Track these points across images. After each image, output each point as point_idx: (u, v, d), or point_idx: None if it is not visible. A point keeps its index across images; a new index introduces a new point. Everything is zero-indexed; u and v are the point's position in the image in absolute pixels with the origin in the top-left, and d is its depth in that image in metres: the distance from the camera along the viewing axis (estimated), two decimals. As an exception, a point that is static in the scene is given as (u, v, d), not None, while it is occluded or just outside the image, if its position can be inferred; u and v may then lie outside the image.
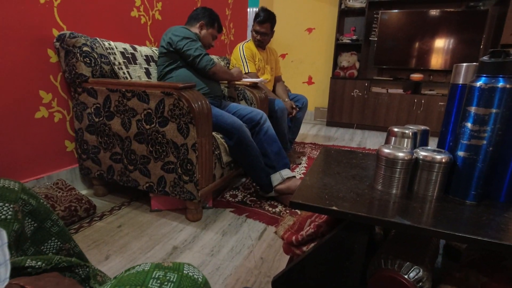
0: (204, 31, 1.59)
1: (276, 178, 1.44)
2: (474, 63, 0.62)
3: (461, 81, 0.64)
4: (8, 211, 0.46)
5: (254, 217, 1.32)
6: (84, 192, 1.49)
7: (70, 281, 0.37)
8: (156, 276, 0.33)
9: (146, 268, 0.34)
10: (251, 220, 1.30)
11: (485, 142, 0.56)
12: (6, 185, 0.48)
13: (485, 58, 0.55)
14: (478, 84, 0.55)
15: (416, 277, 0.56)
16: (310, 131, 3.45)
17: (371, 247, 0.71)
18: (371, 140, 3.04)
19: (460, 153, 0.59)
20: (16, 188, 0.49)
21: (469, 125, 0.57)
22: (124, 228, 1.20)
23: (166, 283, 0.32)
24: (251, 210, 1.38)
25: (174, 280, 0.33)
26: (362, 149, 2.66)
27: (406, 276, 0.56)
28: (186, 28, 1.48)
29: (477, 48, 3.10)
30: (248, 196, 1.54)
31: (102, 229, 1.19)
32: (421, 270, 0.57)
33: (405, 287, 0.56)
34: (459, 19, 3.10)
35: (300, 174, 1.89)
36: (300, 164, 2.10)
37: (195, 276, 0.35)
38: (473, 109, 0.56)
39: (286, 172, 1.45)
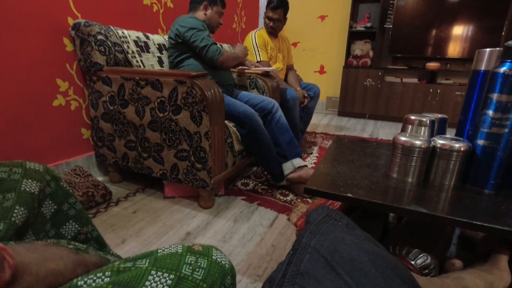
0: (209, 11, 1.57)
1: (287, 167, 1.44)
2: (498, 48, 0.60)
3: (483, 68, 0.62)
4: (36, 187, 0.49)
5: (266, 205, 1.33)
6: (100, 178, 1.53)
7: (62, 250, 0.38)
8: (189, 262, 0.35)
9: (179, 251, 0.36)
10: (263, 208, 1.31)
11: (506, 130, 0.55)
12: (32, 167, 0.51)
13: (511, 42, 0.53)
14: (502, 70, 0.53)
15: (423, 264, 0.56)
16: (321, 121, 3.41)
17: (384, 235, 0.71)
18: (383, 131, 2.99)
19: (480, 142, 0.58)
20: (41, 170, 0.52)
21: (490, 112, 0.56)
22: (139, 213, 1.24)
23: (197, 269, 0.34)
24: (262, 198, 1.40)
25: (204, 266, 0.35)
26: (375, 140, 2.62)
27: (413, 262, 0.56)
28: (193, 17, 1.47)
29: (498, 35, 2.97)
30: (260, 184, 1.55)
31: (118, 214, 1.22)
32: (429, 258, 0.57)
33: None
34: (480, 5, 2.97)
35: (311, 164, 1.88)
36: (312, 154, 2.10)
37: (222, 262, 0.37)
38: (495, 96, 0.55)
39: (297, 161, 1.45)
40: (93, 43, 1.29)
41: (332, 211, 0.33)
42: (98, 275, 0.31)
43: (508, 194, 0.58)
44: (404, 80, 3.33)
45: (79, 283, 0.31)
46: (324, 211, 0.32)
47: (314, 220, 0.31)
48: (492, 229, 0.46)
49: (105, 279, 0.31)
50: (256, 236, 1.10)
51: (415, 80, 3.32)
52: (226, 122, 1.33)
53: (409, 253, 0.58)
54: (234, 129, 1.39)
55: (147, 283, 0.31)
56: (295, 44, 3.99)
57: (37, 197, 0.51)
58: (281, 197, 1.41)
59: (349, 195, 0.55)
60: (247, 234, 1.12)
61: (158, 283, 0.31)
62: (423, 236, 0.64)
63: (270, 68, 1.92)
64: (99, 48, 1.30)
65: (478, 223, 0.47)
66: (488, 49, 0.61)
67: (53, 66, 1.30)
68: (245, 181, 1.59)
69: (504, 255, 0.57)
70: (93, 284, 0.30)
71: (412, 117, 0.70)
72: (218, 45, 1.55)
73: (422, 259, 0.57)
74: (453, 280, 0.48)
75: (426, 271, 0.56)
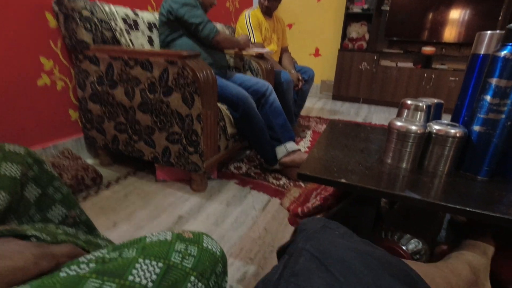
0: None
1: (281, 150, 1.43)
2: (499, 31, 0.58)
3: (482, 51, 0.60)
4: (17, 171, 0.47)
5: (258, 189, 1.33)
6: (90, 161, 1.50)
7: (22, 245, 0.36)
8: (178, 250, 0.33)
9: (168, 238, 0.35)
10: (255, 192, 1.31)
11: (503, 116, 0.54)
12: (11, 149, 0.48)
13: (513, 25, 0.52)
14: (503, 53, 0.52)
15: (415, 249, 0.57)
16: (315, 104, 3.39)
17: (376, 220, 0.71)
18: (377, 115, 2.99)
19: (476, 128, 0.57)
20: (22, 152, 0.49)
21: (488, 98, 0.55)
22: (131, 197, 1.22)
23: (187, 257, 0.33)
24: (255, 182, 1.39)
25: (195, 254, 0.34)
26: (368, 124, 2.62)
27: (404, 247, 0.57)
28: None
29: (494, 21, 2.95)
30: (253, 168, 1.54)
31: (109, 198, 1.21)
32: (420, 243, 0.57)
33: (401, 258, 0.56)
34: (478, -12, 2.92)
35: (304, 148, 1.88)
36: (305, 137, 2.09)
37: (213, 249, 0.37)
38: (494, 81, 0.53)
39: (291, 145, 1.44)
40: (78, 19, 1.22)
41: (328, 221, 0.34)
42: (82, 266, 0.30)
43: (501, 180, 0.58)
44: (399, 64, 3.30)
45: (61, 273, 0.29)
46: (321, 221, 0.33)
47: (311, 228, 0.32)
48: (486, 216, 0.46)
49: (89, 269, 0.29)
50: (249, 220, 1.11)
51: (410, 65, 3.30)
52: (219, 104, 1.30)
53: (401, 238, 0.58)
54: (227, 112, 1.36)
55: (134, 271, 0.30)
56: (290, 26, 3.89)
57: (19, 181, 0.49)
58: (274, 181, 1.41)
59: (342, 180, 0.54)
60: (240, 217, 1.12)
61: (146, 271, 0.30)
62: (415, 221, 0.64)
63: (265, 50, 1.87)
64: (85, 25, 1.24)
65: (472, 209, 0.47)
66: (488, 32, 0.59)
67: (35, 43, 1.23)
68: (238, 164, 1.58)
69: (487, 243, 0.57)
70: (74, 274, 0.29)
71: (409, 102, 0.68)
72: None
73: (413, 244, 0.57)
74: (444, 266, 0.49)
75: (418, 256, 0.57)
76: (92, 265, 0.30)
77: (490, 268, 0.57)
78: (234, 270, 0.86)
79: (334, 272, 0.26)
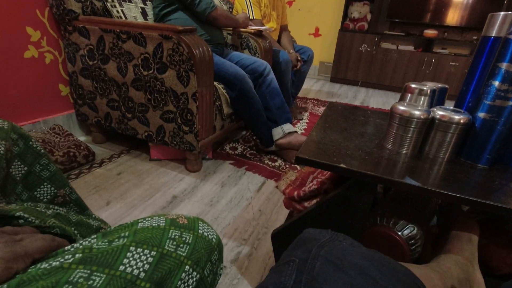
0: None
1: (277, 132, 1.41)
2: (513, 13, 0.55)
3: (494, 34, 0.58)
4: (0, 146, 0.44)
5: (254, 170, 1.32)
6: (82, 138, 1.47)
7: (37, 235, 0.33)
8: (172, 237, 0.32)
9: (161, 224, 0.33)
10: (250, 173, 1.30)
11: (511, 103, 0.52)
12: None
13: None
14: (516, 37, 0.49)
15: (410, 234, 0.56)
16: (313, 86, 3.34)
17: (372, 206, 0.70)
18: (374, 99, 2.97)
19: (481, 114, 0.56)
20: (5, 127, 0.46)
21: (496, 83, 0.52)
22: (124, 175, 1.20)
23: (182, 245, 0.32)
24: (250, 163, 1.38)
25: (190, 241, 0.32)
26: (365, 108, 2.60)
27: (399, 233, 0.56)
28: None
29: (499, 4, 2.87)
30: (248, 149, 1.53)
31: (102, 176, 1.19)
32: (415, 228, 0.57)
33: (397, 243, 0.56)
34: (486, -31, 2.82)
35: (301, 130, 1.86)
36: (302, 119, 2.07)
37: (209, 236, 0.35)
38: (504, 66, 0.51)
39: (287, 127, 1.41)
40: (66, -13, 1.15)
41: (335, 233, 0.35)
42: (67, 257, 0.28)
43: (501, 169, 0.57)
44: (400, 47, 3.24)
45: (43, 265, 0.27)
46: (328, 233, 0.34)
47: (322, 238, 0.33)
48: (485, 205, 0.45)
49: (73, 259, 0.27)
50: (243, 201, 1.10)
51: (411, 48, 3.24)
52: (215, 83, 1.26)
53: (396, 224, 0.58)
54: (224, 91, 1.32)
55: (125, 260, 0.28)
56: (290, 3, 3.75)
57: (3, 156, 0.46)
58: (270, 163, 1.40)
59: (342, 165, 0.53)
60: (234, 198, 1.11)
61: (138, 260, 0.28)
62: (410, 206, 0.64)
63: (263, 27, 1.81)
64: (74, -7, 1.16)
65: (471, 198, 0.46)
66: (502, 13, 0.56)
67: (20, 12, 1.16)
68: (234, 145, 1.56)
69: (472, 230, 0.58)
70: (57, 264, 0.27)
71: (413, 86, 0.66)
72: None
73: (408, 230, 0.57)
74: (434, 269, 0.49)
75: (412, 241, 0.57)
76: (78, 255, 0.28)
77: (480, 255, 0.57)
78: (228, 250, 0.86)
79: (351, 274, 0.26)
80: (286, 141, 1.40)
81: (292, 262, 0.29)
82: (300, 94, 2.79)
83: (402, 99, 0.67)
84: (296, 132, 1.43)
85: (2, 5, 1.10)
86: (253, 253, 0.86)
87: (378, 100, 2.94)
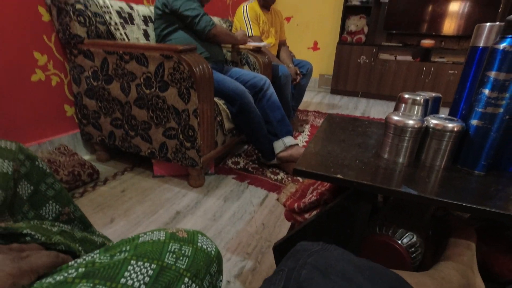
0: None
1: (278, 145, 1.42)
2: (498, 23, 0.57)
3: (481, 44, 0.59)
4: (8, 167, 0.45)
5: (256, 184, 1.33)
6: (87, 157, 1.49)
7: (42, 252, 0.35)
8: (172, 250, 0.33)
9: (161, 238, 0.34)
10: (253, 186, 1.31)
11: (502, 110, 0.53)
12: (3, 145, 0.47)
13: (513, 17, 0.50)
14: (502, 46, 0.51)
15: (409, 242, 0.56)
16: (313, 98, 3.38)
17: (372, 215, 0.71)
18: (375, 109, 2.98)
19: (474, 122, 0.57)
20: (13, 148, 0.48)
21: (486, 91, 0.54)
22: (128, 192, 1.22)
23: (181, 257, 0.33)
24: (253, 177, 1.39)
25: (189, 254, 0.33)
26: (367, 118, 2.62)
27: (399, 242, 0.56)
28: None
29: (494, 13, 2.92)
30: (250, 163, 1.54)
31: (106, 194, 1.20)
32: (415, 236, 0.57)
33: (397, 252, 0.56)
34: (478, -20, 2.89)
35: (302, 142, 1.87)
36: (303, 132, 2.08)
37: (208, 248, 0.36)
38: (493, 74, 0.52)
39: (288, 140, 1.43)
40: (71, 12, 1.20)
41: (326, 245, 0.36)
42: (70, 271, 0.29)
43: (497, 174, 0.58)
44: (398, 57, 3.28)
45: (48, 280, 0.28)
46: (319, 245, 0.36)
47: (312, 249, 0.35)
48: (482, 211, 0.46)
49: (77, 273, 0.28)
50: (246, 215, 1.11)
51: (409, 58, 3.28)
52: (215, 99, 1.29)
53: (396, 232, 0.58)
54: (224, 106, 1.35)
55: (127, 273, 0.29)
56: (288, 19, 3.85)
57: (11, 177, 0.48)
58: (272, 176, 1.40)
59: (339, 176, 0.54)
60: (237, 212, 1.12)
61: (139, 273, 0.29)
62: (408, 215, 0.64)
63: (262, 43, 1.85)
64: (78, 18, 1.22)
65: (469, 205, 0.47)
66: (488, 24, 0.58)
67: (28, 38, 1.21)
68: (236, 159, 1.58)
69: (470, 237, 0.58)
70: (61, 278, 0.28)
71: (406, 96, 0.67)
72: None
73: (408, 238, 0.57)
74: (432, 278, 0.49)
75: (413, 249, 0.57)
76: (81, 269, 0.29)
77: (483, 261, 0.57)
78: (231, 265, 0.86)
79: (336, 280, 0.27)
80: (287, 154, 1.41)
81: (281, 271, 0.30)
82: (301, 107, 2.82)
83: (396, 109, 0.69)
84: (297, 144, 1.44)
85: (12, 32, 1.15)
86: (257, 267, 0.86)
87: (379, 109, 2.96)
